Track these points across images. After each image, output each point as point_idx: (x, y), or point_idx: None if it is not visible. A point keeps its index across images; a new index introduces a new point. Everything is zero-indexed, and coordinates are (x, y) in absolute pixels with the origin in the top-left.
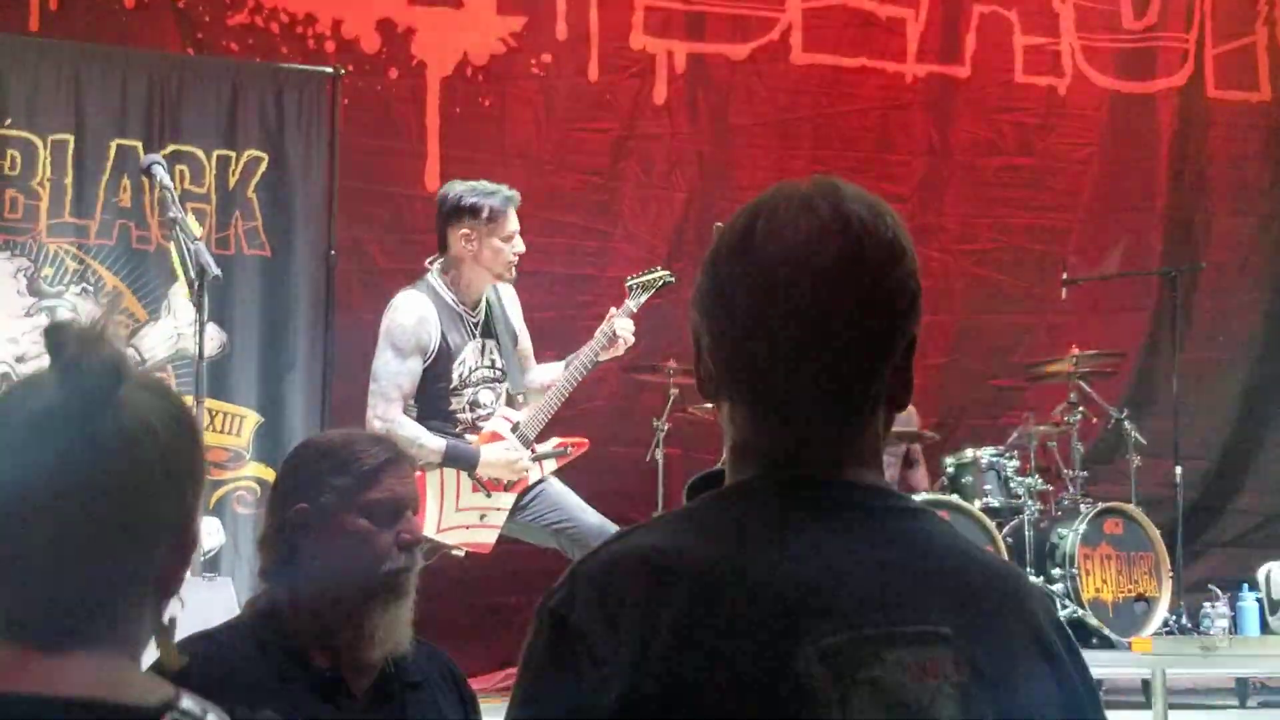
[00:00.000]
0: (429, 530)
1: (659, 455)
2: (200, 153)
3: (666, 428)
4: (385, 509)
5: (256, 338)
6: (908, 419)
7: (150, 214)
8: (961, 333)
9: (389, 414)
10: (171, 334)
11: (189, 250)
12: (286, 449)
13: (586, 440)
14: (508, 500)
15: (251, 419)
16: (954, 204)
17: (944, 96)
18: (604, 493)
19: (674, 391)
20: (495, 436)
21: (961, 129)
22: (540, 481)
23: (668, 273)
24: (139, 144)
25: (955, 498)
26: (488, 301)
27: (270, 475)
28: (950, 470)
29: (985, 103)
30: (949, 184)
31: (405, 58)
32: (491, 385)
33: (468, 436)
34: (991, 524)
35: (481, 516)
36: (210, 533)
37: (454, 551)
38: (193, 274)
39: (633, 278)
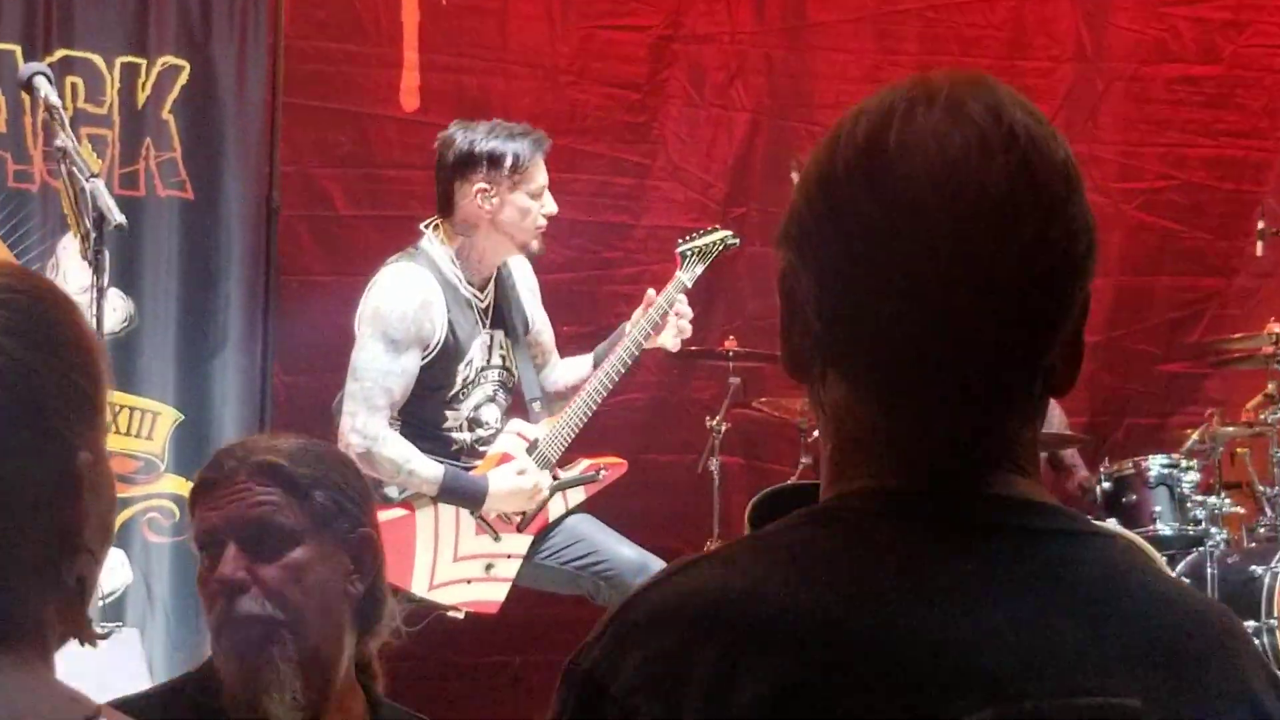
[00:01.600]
0: (418, 588)
1: (714, 465)
2: (99, 60)
3: (725, 428)
4: (202, 543)
5: (174, 308)
6: (1058, 419)
7: (32, 142)
8: (1121, 301)
9: (371, 427)
10: None
11: (83, 191)
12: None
13: (624, 461)
14: (521, 544)
15: (167, 417)
16: (1111, 128)
17: None
18: (641, 515)
19: (734, 380)
20: (506, 459)
21: (1121, 26)
22: (563, 519)
23: (729, 233)
24: (16, 49)
25: (1112, 523)
26: (498, 281)
27: None
28: (1106, 486)
29: None
30: (1104, 101)
31: None
32: (497, 395)
33: (462, 460)
34: (1161, 558)
35: (488, 567)
36: (113, 568)
37: (451, 614)
38: (88, 223)
39: (685, 241)
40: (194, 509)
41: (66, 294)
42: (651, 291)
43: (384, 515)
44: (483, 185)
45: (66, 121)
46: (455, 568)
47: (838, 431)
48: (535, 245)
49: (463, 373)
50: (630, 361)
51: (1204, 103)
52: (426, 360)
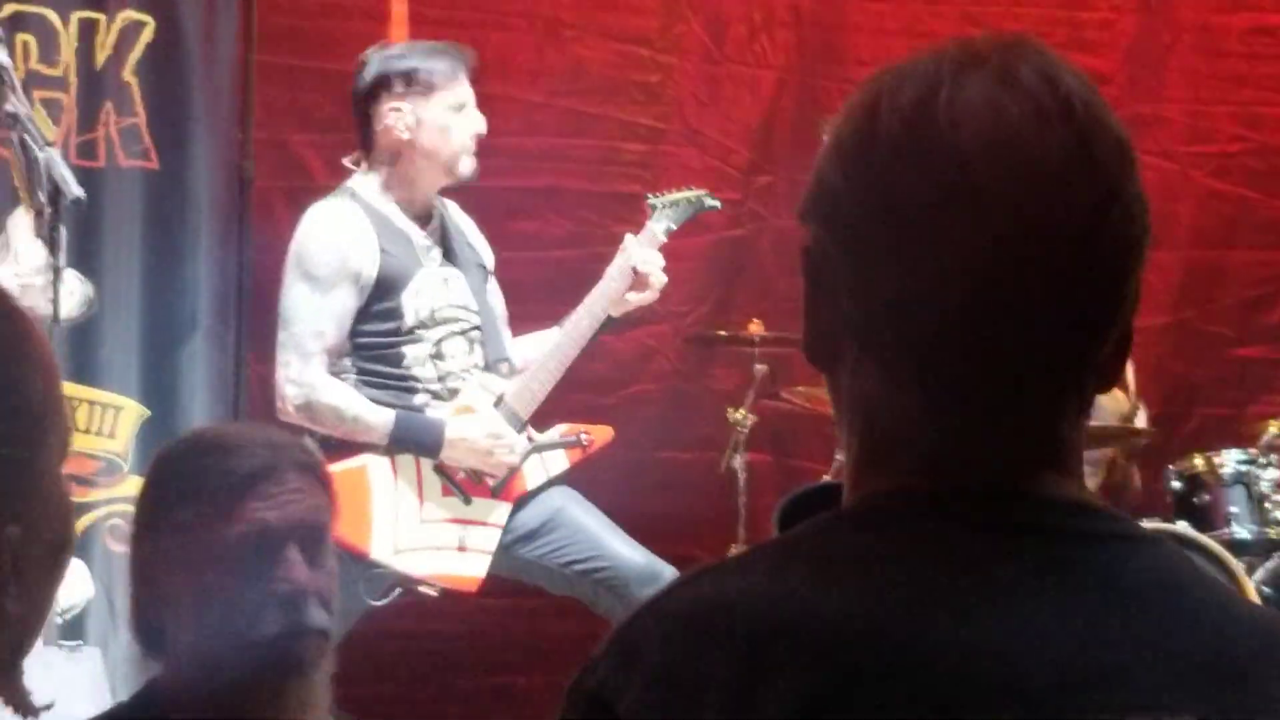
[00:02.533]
0: (381, 553)
1: (738, 462)
2: (53, 16)
3: (750, 422)
4: (246, 550)
5: (138, 291)
6: (1116, 408)
7: None
8: (1191, 278)
9: (306, 375)
10: (10, 285)
11: (36, 161)
12: None
13: (610, 429)
14: (500, 512)
15: (131, 412)
16: (1179, 85)
17: None
18: (656, 519)
19: (760, 368)
20: (467, 410)
21: None
22: (545, 487)
23: (706, 192)
24: None
25: (1183, 526)
26: (442, 221)
27: None
28: (1176, 485)
29: None
30: (1173, 55)
31: None
32: (466, 331)
33: (430, 408)
34: (1238, 565)
35: (460, 536)
36: (72, 581)
37: (423, 589)
38: (42, 197)
39: (655, 195)
40: (239, 503)
41: (8, 331)
42: (629, 236)
43: (333, 467)
44: (395, 105)
45: (18, 84)
46: (422, 531)
47: (867, 425)
48: (465, 166)
49: (411, 304)
50: (601, 315)
51: None
52: (365, 295)
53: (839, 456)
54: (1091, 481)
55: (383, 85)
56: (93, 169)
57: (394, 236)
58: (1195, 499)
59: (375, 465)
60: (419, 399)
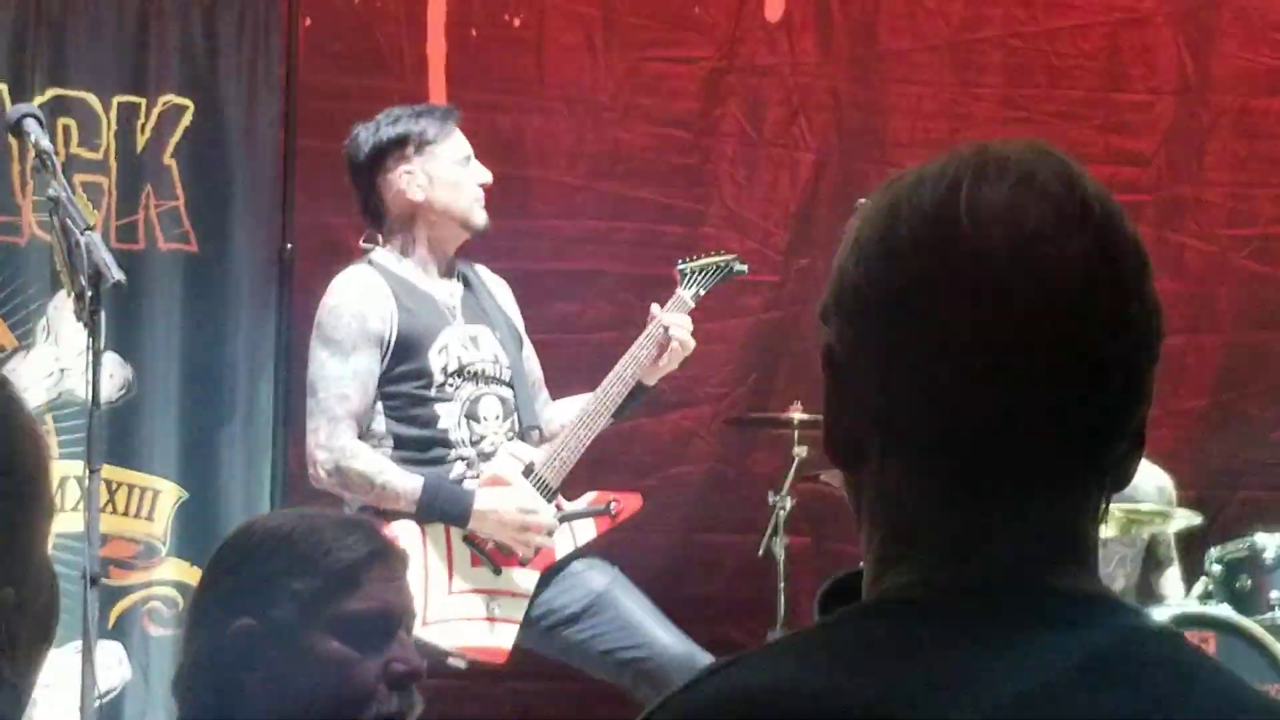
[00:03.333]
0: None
1: (778, 547)
2: (94, 100)
3: (790, 504)
4: (369, 626)
5: (177, 374)
6: (1157, 492)
7: (20, 191)
8: (1232, 360)
9: (335, 440)
10: (51, 368)
11: (77, 245)
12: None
13: (638, 495)
14: (528, 581)
15: (170, 495)
16: (1219, 167)
17: (1202, 5)
18: (695, 603)
19: (800, 451)
20: (498, 481)
21: (1229, 54)
22: (573, 557)
23: (735, 257)
24: (3, 88)
25: (1225, 610)
26: (466, 281)
27: (198, 578)
28: (1217, 569)
29: (1265, 13)
30: (1211, 137)
31: None
32: (495, 388)
33: (467, 475)
34: None
35: (489, 606)
36: (109, 665)
37: (451, 661)
38: (83, 280)
39: (684, 261)
40: (359, 581)
41: None
42: (655, 306)
43: None
44: (406, 169)
45: (59, 168)
46: (451, 603)
47: (889, 519)
48: (479, 217)
49: (438, 359)
50: (632, 383)
51: None
52: (387, 355)
53: None
54: (1129, 568)
55: (384, 152)
56: (133, 252)
57: (415, 296)
58: (1237, 583)
59: (406, 535)
60: (455, 468)
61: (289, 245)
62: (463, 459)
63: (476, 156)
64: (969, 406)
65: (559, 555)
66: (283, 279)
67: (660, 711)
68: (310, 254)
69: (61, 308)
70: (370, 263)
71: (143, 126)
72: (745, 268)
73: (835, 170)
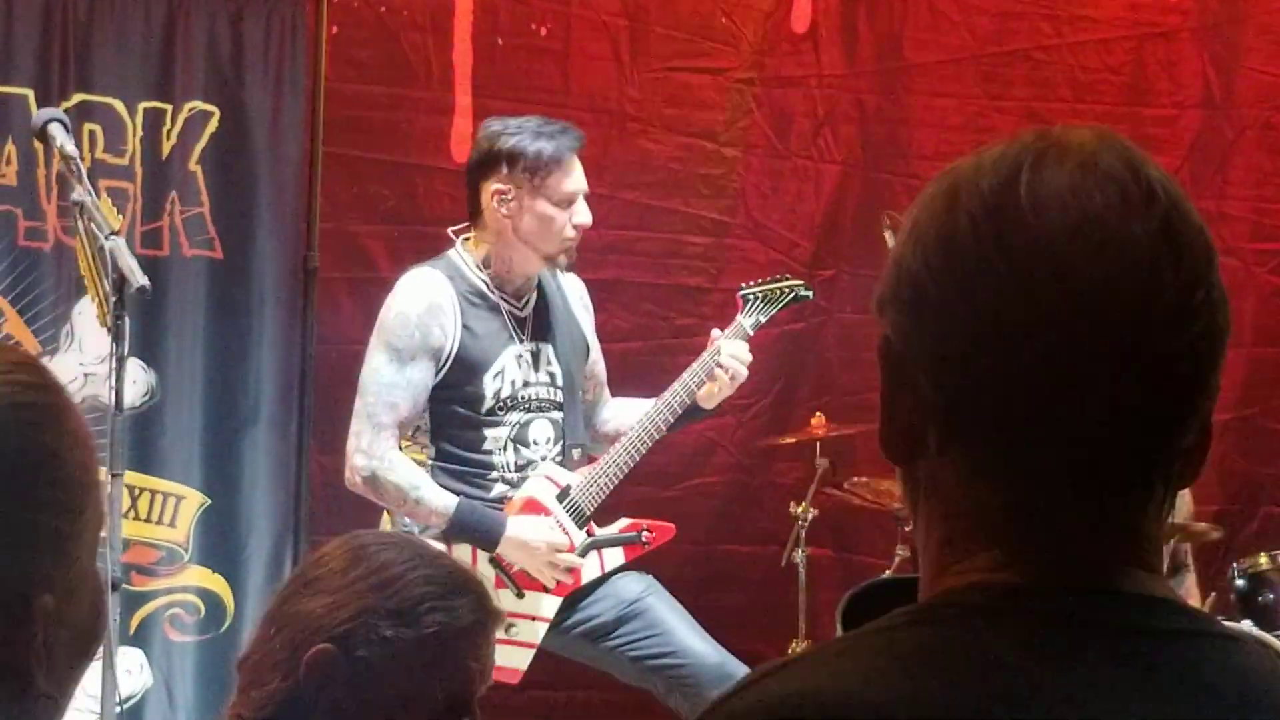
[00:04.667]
0: None
1: (800, 557)
2: (120, 106)
3: (812, 516)
4: (445, 702)
5: (200, 380)
6: (1184, 509)
7: (45, 196)
8: (1255, 375)
9: (376, 447)
10: (74, 374)
11: (102, 250)
12: (243, 544)
13: (672, 526)
14: (549, 607)
15: (192, 501)
16: (1243, 181)
17: (1226, 20)
18: (718, 613)
19: (822, 462)
20: (533, 506)
21: (1253, 69)
22: (598, 584)
23: (801, 284)
24: (29, 94)
25: (1246, 625)
26: (541, 291)
27: (219, 584)
28: (1240, 584)
29: None
30: (1236, 151)
31: None
32: (548, 411)
33: (507, 497)
34: None
35: (508, 628)
36: (131, 670)
37: None
38: (107, 286)
39: (749, 286)
40: (457, 649)
41: (33, 397)
42: (716, 331)
43: None
44: (499, 187)
45: (84, 173)
46: None
47: (947, 518)
48: (564, 260)
49: (492, 385)
50: (679, 410)
51: None
52: (442, 371)
53: (900, 551)
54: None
55: (489, 162)
56: (157, 258)
57: (482, 314)
58: (1259, 598)
59: None
60: (496, 488)
61: (313, 252)
62: (505, 481)
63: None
64: (1028, 398)
65: (585, 580)
66: (307, 286)
67: (712, 714)
68: (334, 261)
69: (85, 313)
70: (447, 264)
71: (168, 133)
72: (810, 294)
73: (860, 182)
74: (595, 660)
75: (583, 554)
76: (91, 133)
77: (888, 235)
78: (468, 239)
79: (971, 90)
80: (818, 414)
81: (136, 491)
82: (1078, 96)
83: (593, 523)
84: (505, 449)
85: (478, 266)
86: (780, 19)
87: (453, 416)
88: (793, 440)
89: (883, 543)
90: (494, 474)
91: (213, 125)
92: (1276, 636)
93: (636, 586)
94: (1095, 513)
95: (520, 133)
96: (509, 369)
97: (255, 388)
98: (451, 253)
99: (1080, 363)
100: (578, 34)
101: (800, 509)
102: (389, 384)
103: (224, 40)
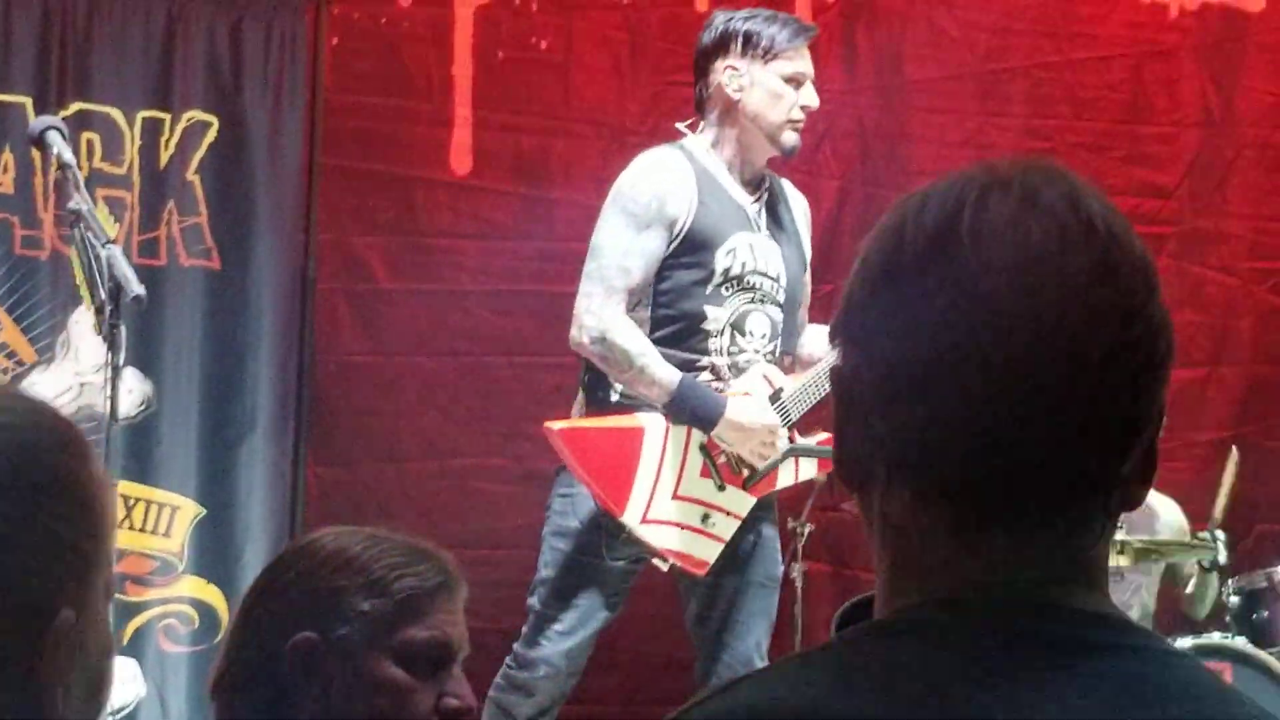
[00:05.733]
0: (630, 518)
1: (796, 572)
2: (118, 115)
3: (808, 530)
4: (430, 656)
5: (197, 391)
6: (1178, 525)
7: (42, 204)
8: (1252, 393)
9: (607, 310)
10: (70, 383)
11: (98, 259)
12: (238, 555)
13: None
14: (744, 505)
15: (188, 511)
16: (1241, 201)
17: (1226, 39)
18: None
19: (820, 477)
20: (747, 397)
21: (1253, 87)
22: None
23: None
24: (26, 101)
25: (1241, 642)
26: (772, 193)
27: (214, 595)
28: (1234, 601)
29: None
30: (1235, 170)
31: None
32: (767, 307)
33: (712, 385)
34: None
35: (704, 517)
36: (124, 680)
37: (655, 561)
38: (103, 295)
39: None
40: (427, 610)
41: (67, 427)
42: None
43: (610, 421)
44: (732, 63)
45: (81, 182)
46: (673, 507)
47: (897, 542)
48: (789, 139)
49: (723, 261)
50: None
51: None
52: (675, 242)
53: None
54: (1145, 597)
55: (722, 45)
56: (154, 267)
57: (716, 193)
58: (1255, 615)
59: (651, 430)
60: (703, 374)
61: (311, 263)
62: (714, 367)
63: (500, 177)
64: (970, 430)
65: (780, 485)
66: (304, 297)
67: (681, 717)
68: (332, 272)
69: (81, 322)
70: (680, 147)
71: (167, 142)
72: None
73: (859, 197)
74: (694, 609)
75: (781, 459)
76: (89, 141)
77: None
78: (696, 130)
79: (970, 106)
80: (816, 430)
81: (132, 501)
82: (1076, 114)
83: (795, 430)
84: (723, 332)
85: (708, 150)
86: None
87: (678, 289)
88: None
89: None
90: (705, 358)
91: (211, 135)
92: (1271, 653)
93: (769, 572)
94: (1036, 538)
95: (752, 17)
96: (740, 250)
97: (252, 398)
98: (683, 141)
99: (1019, 397)
100: (578, 47)
101: (797, 523)
102: (625, 249)
103: (223, 50)
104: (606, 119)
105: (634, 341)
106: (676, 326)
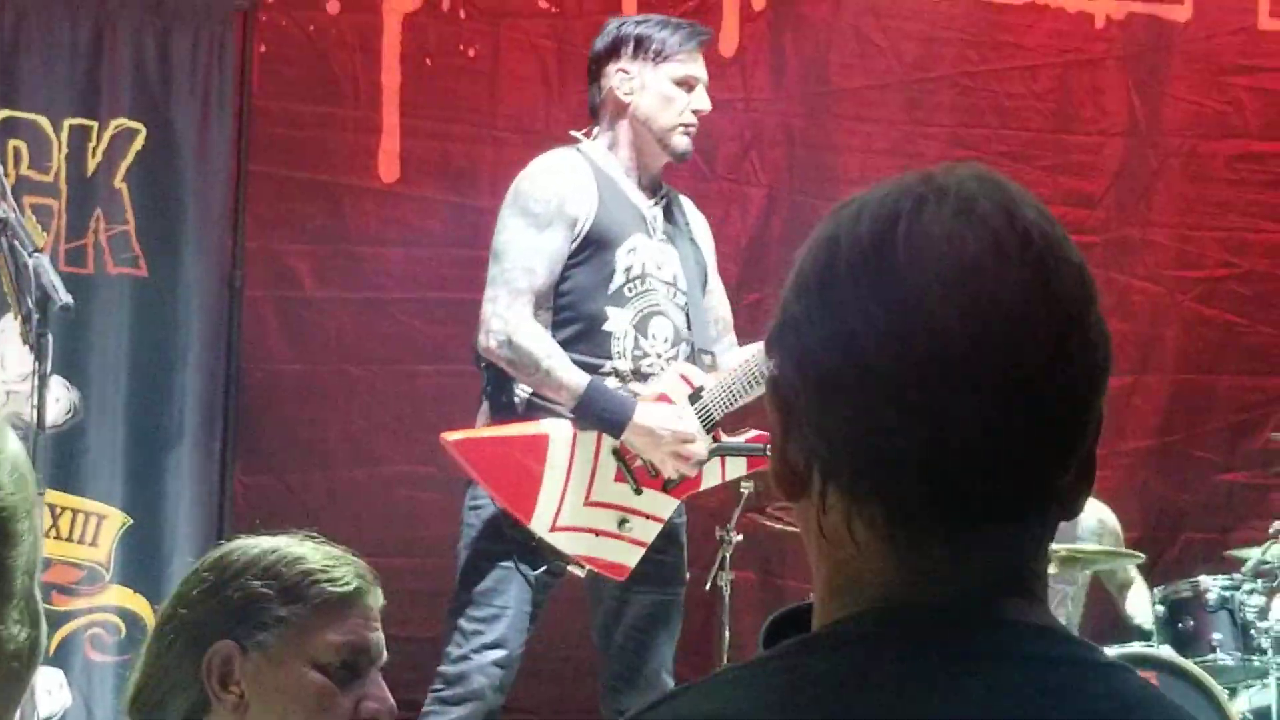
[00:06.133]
0: (537, 525)
1: (724, 581)
2: (45, 122)
3: (736, 540)
4: (347, 661)
5: (124, 399)
6: (1112, 533)
7: None
8: (1177, 402)
9: (514, 311)
10: None
11: (25, 267)
12: (165, 563)
13: None
14: (666, 507)
15: (114, 521)
16: (1167, 210)
17: (1152, 49)
18: None
19: (747, 486)
20: (663, 400)
21: (1178, 97)
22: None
23: None
24: None
25: (1166, 651)
26: (668, 205)
27: (141, 605)
28: (1160, 610)
29: (1214, 58)
30: (1159, 180)
31: None
32: (668, 310)
33: (619, 390)
34: (1222, 692)
35: (621, 522)
36: (50, 690)
37: (571, 568)
38: (30, 303)
39: None
40: (344, 614)
41: None
42: None
43: (515, 429)
44: (623, 67)
45: (8, 190)
46: (585, 513)
47: (834, 553)
48: (680, 142)
49: (624, 260)
50: None
51: (1269, 182)
52: (577, 239)
53: None
54: (1071, 607)
55: (614, 49)
56: (81, 275)
57: (616, 194)
58: (1180, 624)
59: (557, 436)
60: (609, 381)
61: (239, 271)
62: (616, 371)
63: (428, 184)
64: (905, 443)
65: (704, 485)
66: (232, 305)
67: None
68: (260, 280)
69: (8, 330)
70: (578, 150)
71: (94, 150)
72: None
73: (786, 206)
74: (600, 621)
75: (702, 456)
76: (16, 149)
77: None
78: (589, 135)
79: (897, 116)
80: (745, 426)
81: (58, 510)
82: (1003, 123)
83: (720, 429)
84: (625, 334)
85: (605, 153)
86: (708, 44)
87: (579, 290)
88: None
89: (807, 567)
90: (609, 364)
91: (139, 143)
92: (1196, 663)
93: (677, 584)
94: (974, 549)
95: (646, 21)
96: (641, 249)
97: (179, 407)
98: (580, 145)
99: (953, 412)
100: (506, 56)
101: (724, 532)
102: (527, 249)
103: (151, 58)
104: (534, 127)
105: (540, 344)
106: (578, 328)
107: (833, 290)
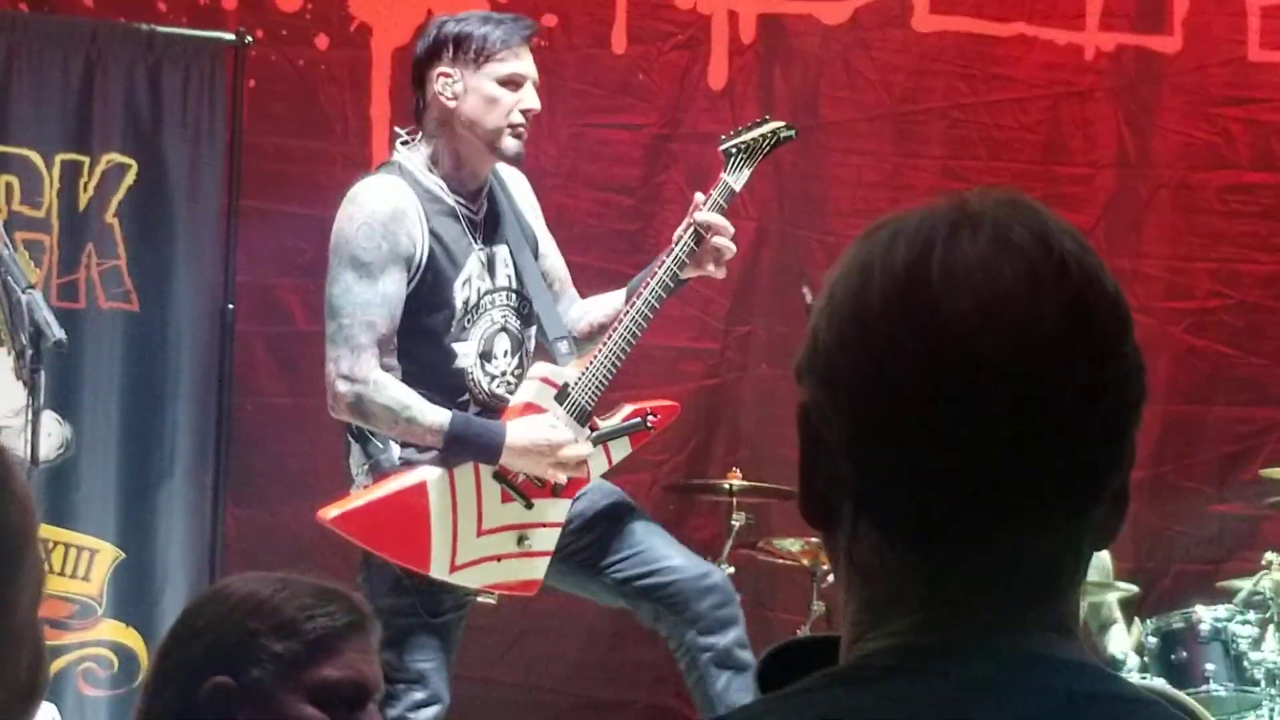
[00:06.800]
0: (437, 571)
1: None
2: (37, 158)
3: (728, 572)
4: (343, 695)
5: (116, 434)
6: (1101, 568)
7: None
8: (1168, 433)
9: (360, 370)
10: None
11: (19, 303)
12: (157, 598)
13: (675, 403)
14: (559, 511)
15: (106, 555)
16: (1157, 241)
17: (1142, 81)
18: (632, 665)
19: (738, 519)
20: (531, 409)
21: (1168, 129)
22: (608, 475)
23: (783, 124)
24: None
25: (1160, 683)
26: (490, 191)
27: (134, 639)
28: (1152, 641)
29: (1204, 90)
30: (1151, 211)
31: (341, 19)
32: (508, 322)
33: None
34: None
35: (520, 539)
36: None
37: (481, 599)
38: (23, 339)
39: (728, 138)
40: (338, 650)
41: None
42: (699, 195)
43: (391, 486)
44: (444, 70)
45: (0, 225)
46: (481, 544)
47: (866, 584)
48: (510, 144)
49: (462, 293)
50: (672, 285)
51: (1260, 214)
52: (414, 281)
53: (816, 607)
54: None
55: (436, 52)
56: (74, 310)
57: (442, 218)
58: (1172, 655)
59: (434, 483)
60: (466, 397)
61: (230, 305)
62: (475, 401)
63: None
64: (940, 475)
65: (594, 476)
66: (224, 339)
67: None
68: (251, 314)
69: (1, 366)
70: (399, 170)
71: (85, 185)
72: (794, 133)
73: (776, 238)
74: (571, 582)
75: (584, 454)
76: (8, 185)
77: (806, 293)
78: (407, 142)
79: (887, 148)
80: (733, 469)
81: (50, 545)
82: (993, 155)
83: (595, 418)
84: (475, 365)
85: (428, 168)
86: (697, 76)
87: (423, 333)
88: (709, 496)
89: (798, 599)
90: (465, 396)
91: (130, 177)
92: (1189, 694)
93: (613, 505)
94: (1008, 582)
95: (466, 19)
96: (473, 277)
97: (171, 441)
98: (397, 157)
99: (990, 441)
100: None
101: (717, 565)
102: (362, 302)
103: (142, 93)
104: (525, 163)
105: (394, 396)
106: (430, 374)
107: (867, 318)
